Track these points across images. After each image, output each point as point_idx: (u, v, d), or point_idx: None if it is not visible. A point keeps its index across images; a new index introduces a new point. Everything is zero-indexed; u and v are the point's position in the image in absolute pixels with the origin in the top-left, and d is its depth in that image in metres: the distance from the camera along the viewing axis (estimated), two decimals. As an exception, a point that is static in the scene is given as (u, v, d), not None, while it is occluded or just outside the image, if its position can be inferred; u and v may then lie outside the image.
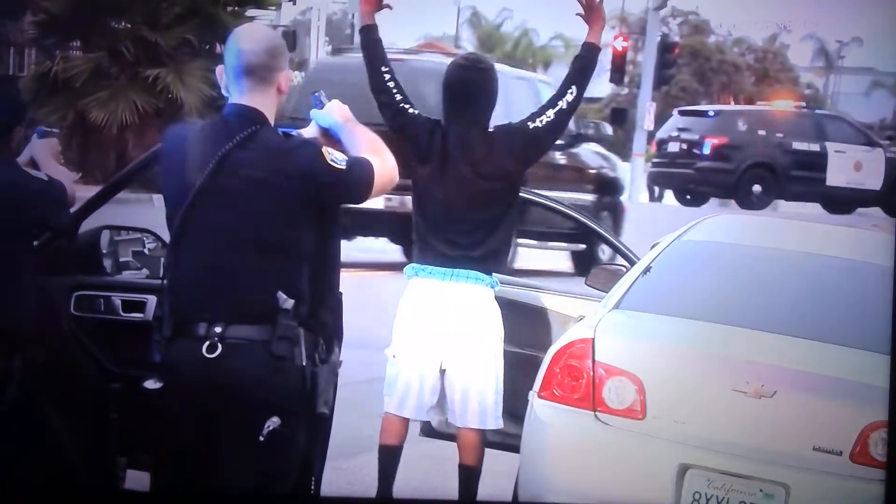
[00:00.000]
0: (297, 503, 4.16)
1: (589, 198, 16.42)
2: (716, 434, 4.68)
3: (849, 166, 25.62)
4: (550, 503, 4.80)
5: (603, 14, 5.79)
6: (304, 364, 3.82)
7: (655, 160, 26.88)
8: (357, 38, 5.83)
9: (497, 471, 5.80)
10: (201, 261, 3.82)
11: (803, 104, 30.09)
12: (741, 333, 4.97)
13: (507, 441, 5.59)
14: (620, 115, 24.50)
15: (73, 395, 5.21)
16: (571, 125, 16.88)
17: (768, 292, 5.25)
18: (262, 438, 3.73)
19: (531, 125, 5.66)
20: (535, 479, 4.97)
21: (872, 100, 49.99)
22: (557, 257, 15.14)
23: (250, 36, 3.92)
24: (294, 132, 3.98)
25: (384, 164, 3.97)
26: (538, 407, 4.97)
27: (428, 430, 5.92)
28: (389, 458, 5.61)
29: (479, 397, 5.55)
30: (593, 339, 4.92)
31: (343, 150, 3.96)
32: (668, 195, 27.32)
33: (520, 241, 14.95)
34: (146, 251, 5.74)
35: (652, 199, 27.36)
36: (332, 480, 5.10)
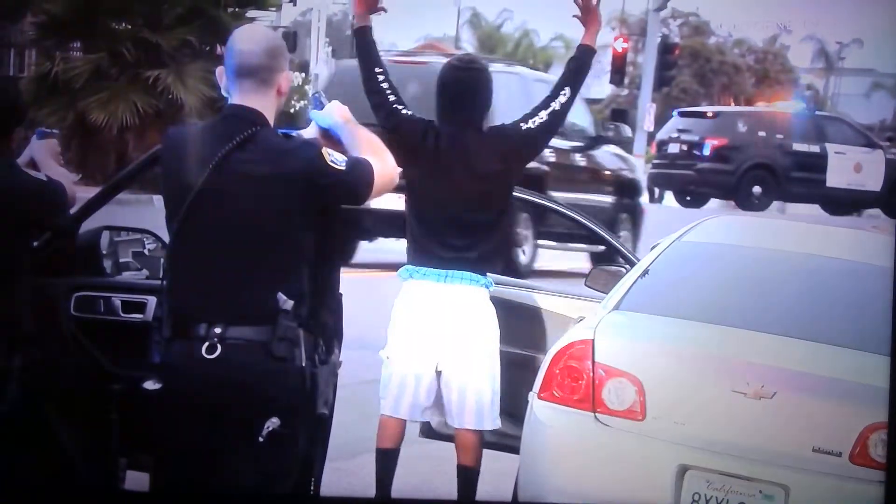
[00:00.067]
0: (297, 503, 4.16)
1: (609, 200, 16.51)
2: (715, 435, 4.68)
3: (849, 168, 25.63)
4: (550, 504, 4.81)
5: (599, 16, 5.81)
6: (303, 365, 3.82)
7: (655, 161, 26.90)
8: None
9: (497, 472, 5.81)
10: (201, 262, 3.82)
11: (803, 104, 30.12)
12: (741, 334, 4.97)
13: (507, 442, 5.59)
14: (620, 117, 24.52)
15: (72, 396, 5.21)
16: (591, 127, 17.15)
17: (768, 293, 5.25)
18: (261, 439, 3.73)
19: (524, 126, 5.66)
20: (535, 480, 4.97)
21: (872, 101, 50.03)
22: (578, 258, 15.16)
23: (250, 37, 3.91)
24: (294, 133, 3.98)
25: (384, 164, 3.97)
26: (538, 408, 4.97)
27: (427, 431, 5.92)
28: (387, 460, 5.61)
29: (475, 398, 5.55)
30: (593, 340, 4.92)
31: (343, 151, 3.96)
32: (668, 196, 27.33)
33: (539, 242, 15.01)
34: (146, 252, 5.74)
35: (652, 200, 27.37)
36: (332, 481, 5.10)
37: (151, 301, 5.16)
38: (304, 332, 3.83)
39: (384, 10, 5.79)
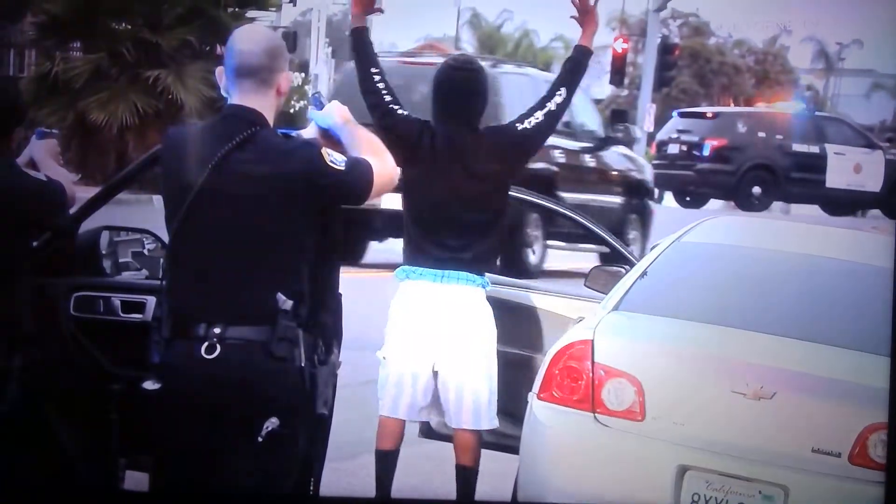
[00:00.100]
0: (297, 503, 4.16)
1: (618, 200, 16.59)
2: (715, 435, 4.68)
3: (848, 168, 25.63)
4: (550, 504, 4.81)
5: (597, 17, 5.81)
6: (303, 365, 3.82)
7: (655, 162, 26.87)
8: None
9: (496, 472, 5.81)
10: (200, 262, 3.82)
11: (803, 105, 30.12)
12: (740, 335, 4.97)
13: (506, 442, 5.59)
14: (620, 117, 24.52)
15: (72, 396, 5.21)
16: (600, 128, 17.27)
17: (768, 294, 5.25)
18: (260, 439, 3.73)
19: (520, 127, 5.66)
20: (535, 481, 4.97)
21: (872, 102, 50.06)
22: (588, 259, 15.17)
23: (250, 37, 3.92)
24: (293, 133, 3.98)
25: (383, 164, 3.97)
26: (537, 408, 4.97)
27: (427, 432, 5.92)
28: (386, 461, 5.61)
29: (472, 398, 5.55)
30: (593, 341, 4.92)
31: (343, 151, 3.96)
32: (668, 196, 27.33)
33: (549, 242, 15.05)
34: (146, 252, 5.74)
35: (652, 200, 27.36)
36: (332, 481, 5.10)
37: (151, 301, 5.15)
38: (304, 332, 3.83)
39: (381, 10, 5.79)
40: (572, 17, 5.81)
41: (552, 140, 16.96)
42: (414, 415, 5.66)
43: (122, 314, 5.30)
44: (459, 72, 5.70)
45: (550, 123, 5.69)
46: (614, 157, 17.00)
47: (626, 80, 31.55)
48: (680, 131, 26.17)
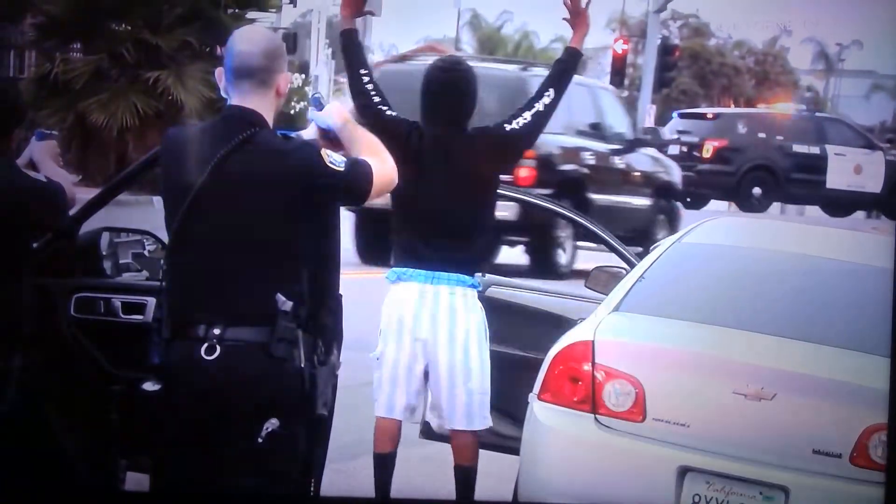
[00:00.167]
0: (297, 504, 4.16)
1: (646, 202, 16.70)
2: (716, 436, 4.68)
3: (849, 169, 25.63)
4: (550, 505, 4.81)
5: (588, 20, 5.81)
6: (302, 366, 3.82)
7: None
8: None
9: (497, 473, 5.81)
10: (200, 263, 3.82)
11: (803, 107, 30.12)
12: (741, 336, 4.97)
13: (507, 443, 5.59)
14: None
15: (72, 397, 5.21)
16: (629, 130, 17.46)
17: (768, 295, 5.25)
18: (260, 440, 3.73)
19: (508, 127, 5.66)
20: (535, 482, 4.97)
21: (872, 102, 50.08)
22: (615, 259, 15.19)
23: (249, 38, 3.92)
24: (293, 134, 3.98)
25: (383, 165, 3.97)
26: (538, 409, 4.96)
27: (427, 433, 5.92)
28: (384, 464, 5.62)
29: (465, 399, 5.56)
30: (593, 342, 4.91)
31: (343, 152, 3.96)
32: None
33: (578, 243, 15.11)
34: (146, 253, 5.74)
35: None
36: (332, 482, 5.10)
37: (151, 302, 5.15)
38: (304, 333, 3.83)
39: (371, 13, 5.80)
40: (564, 19, 5.82)
41: (582, 142, 16.99)
42: (409, 415, 5.67)
43: (122, 315, 5.30)
44: (447, 73, 5.71)
45: (539, 124, 5.68)
46: (643, 158, 17.20)
47: (627, 81, 31.53)
48: (680, 132, 26.16)
